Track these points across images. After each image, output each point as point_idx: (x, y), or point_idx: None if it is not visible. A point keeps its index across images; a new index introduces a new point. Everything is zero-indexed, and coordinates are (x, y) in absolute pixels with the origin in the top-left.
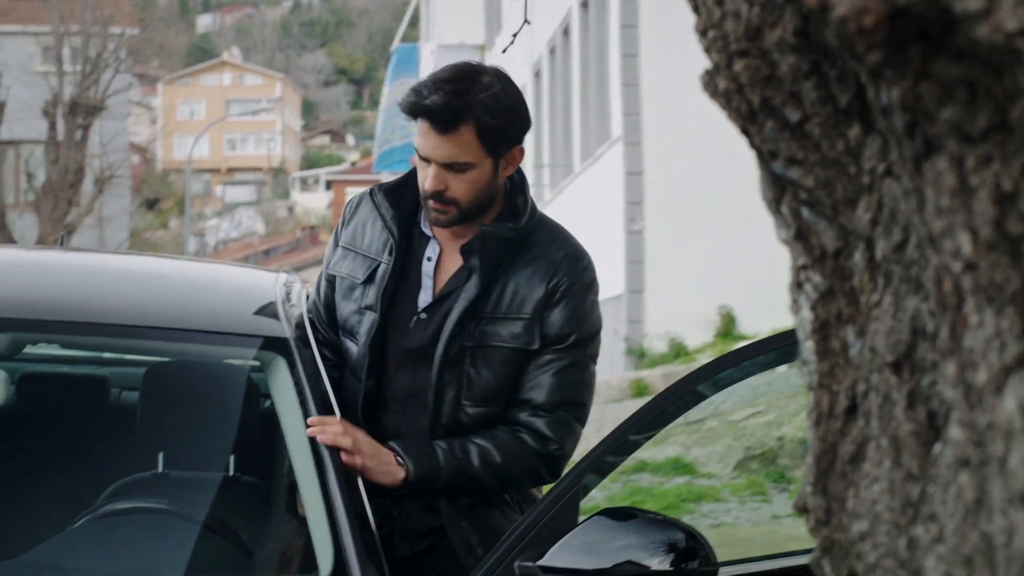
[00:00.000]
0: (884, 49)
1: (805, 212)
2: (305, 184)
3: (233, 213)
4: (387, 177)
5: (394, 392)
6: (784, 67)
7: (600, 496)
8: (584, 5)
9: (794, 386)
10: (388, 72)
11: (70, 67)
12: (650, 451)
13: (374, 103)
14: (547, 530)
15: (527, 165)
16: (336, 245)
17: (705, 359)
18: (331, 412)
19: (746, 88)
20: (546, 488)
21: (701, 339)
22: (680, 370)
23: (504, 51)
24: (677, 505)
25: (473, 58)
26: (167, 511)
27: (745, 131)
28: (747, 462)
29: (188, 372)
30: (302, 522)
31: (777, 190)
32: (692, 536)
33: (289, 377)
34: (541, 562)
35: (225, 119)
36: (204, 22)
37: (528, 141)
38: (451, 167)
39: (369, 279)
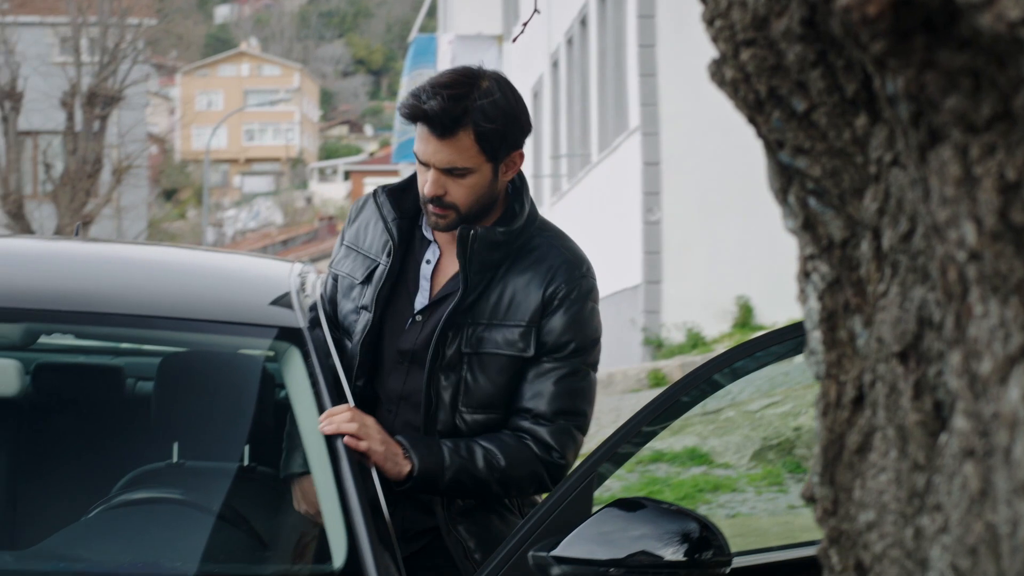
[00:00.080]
0: (888, 38)
1: (812, 202)
2: (323, 175)
3: (251, 203)
4: (406, 168)
5: (388, 393)
6: (791, 56)
7: (616, 486)
8: None
9: (811, 376)
10: (406, 63)
11: (88, 58)
12: (667, 441)
13: (392, 93)
14: (561, 520)
15: (544, 156)
16: (341, 244)
17: (722, 349)
18: (344, 402)
19: (753, 77)
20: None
21: (719, 329)
22: (697, 360)
23: (514, 40)
24: (694, 495)
25: (491, 48)
26: (181, 501)
27: (752, 121)
28: (764, 452)
29: (203, 362)
30: (315, 512)
31: (784, 180)
32: (706, 526)
33: (303, 367)
34: (554, 552)
35: (243, 110)
36: (222, 13)
37: (545, 131)
38: (450, 172)
39: (367, 279)
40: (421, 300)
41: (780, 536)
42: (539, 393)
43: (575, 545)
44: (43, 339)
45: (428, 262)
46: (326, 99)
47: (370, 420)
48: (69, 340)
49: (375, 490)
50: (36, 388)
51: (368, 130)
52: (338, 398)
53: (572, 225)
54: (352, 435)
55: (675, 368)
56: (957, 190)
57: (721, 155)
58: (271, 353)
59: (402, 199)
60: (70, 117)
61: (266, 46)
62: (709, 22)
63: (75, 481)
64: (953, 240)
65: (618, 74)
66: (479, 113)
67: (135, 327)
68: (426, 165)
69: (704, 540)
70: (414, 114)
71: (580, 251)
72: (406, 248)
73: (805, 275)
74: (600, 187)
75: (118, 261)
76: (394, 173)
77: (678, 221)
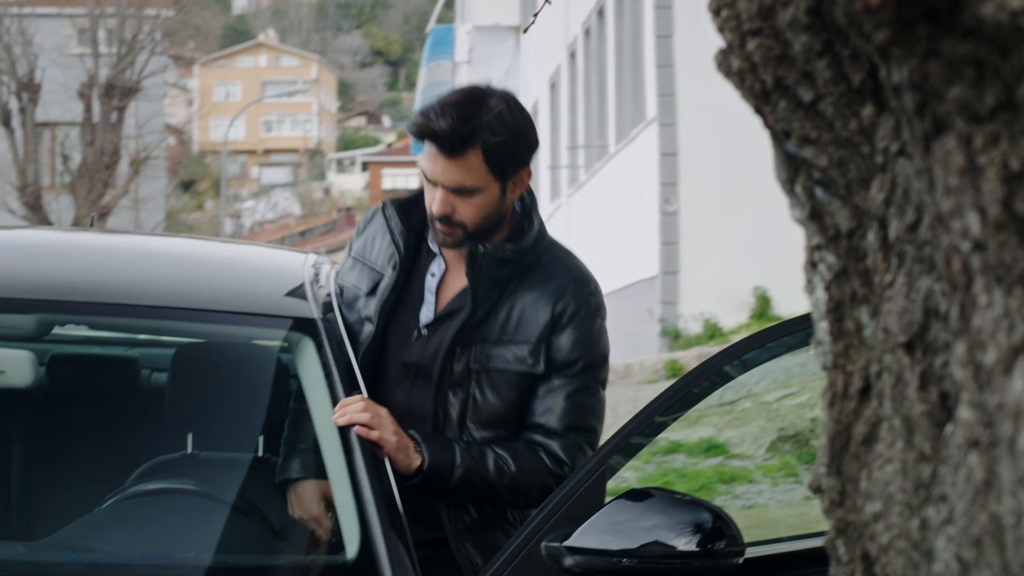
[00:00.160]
0: (891, 28)
1: (819, 192)
2: (341, 166)
3: (269, 195)
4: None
5: (392, 406)
6: (797, 46)
7: (632, 477)
8: None
9: None
10: (424, 54)
11: (105, 49)
12: (683, 432)
13: (410, 84)
14: (574, 511)
15: (562, 146)
16: (349, 255)
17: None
18: (358, 392)
19: (759, 67)
20: None
21: (736, 320)
22: (715, 351)
23: (525, 31)
24: (709, 486)
25: (508, 39)
26: (195, 491)
27: (758, 111)
28: (780, 443)
29: (217, 353)
30: (329, 503)
31: (791, 170)
32: (719, 516)
33: (316, 358)
34: (568, 542)
35: (261, 101)
36: (240, 3)
37: (563, 122)
38: (458, 191)
39: (372, 292)
40: (426, 314)
41: (795, 527)
42: (550, 409)
43: (588, 535)
44: (57, 330)
45: (433, 275)
46: (344, 90)
47: (383, 411)
48: (83, 331)
49: (389, 481)
50: (51, 379)
51: (386, 121)
52: (351, 388)
53: (589, 216)
54: (364, 425)
55: (692, 359)
56: (961, 180)
57: (738, 146)
58: (285, 344)
59: (410, 212)
60: (88, 108)
61: (284, 37)
62: (715, 12)
63: (89, 472)
64: (957, 230)
65: (635, 65)
66: (488, 132)
67: (148, 318)
68: (434, 183)
69: (717, 530)
70: (423, 132)
71: (587, 270)
72: (412, 261)
73: (812, 265)
74: (617, 178)
75: (131, 252)
76: (412, 164)
77: (695, 212)
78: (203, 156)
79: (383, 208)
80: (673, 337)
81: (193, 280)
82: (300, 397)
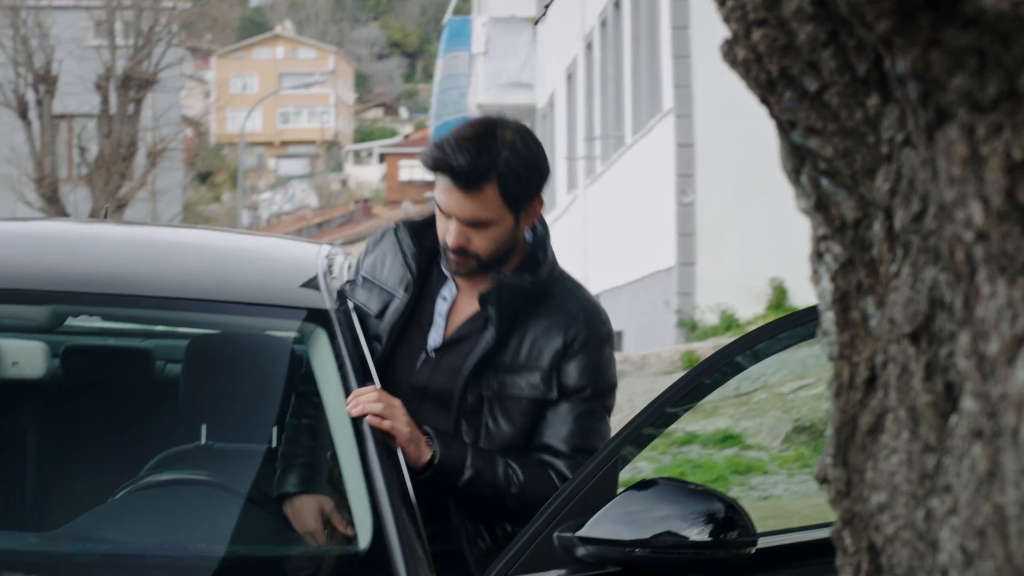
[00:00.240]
0: (893, 17)
1: (824, 182)
2: (358, 157)
3: (286, 186)
4: None
5: None
6: (802, 36)
7: (647, 467)
8: None
9: None
10: (441, 45)
11: (122, 41)
12: (699, 423)
13: (428, 76)
14: (586, 501)
15: (578, 138)
16: (356, 273)
17: None
18: (371, 383)
19: (764, 58)
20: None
21: (752, 311)
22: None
23: (536, 23)
24: (725, 477)
25: (525, 31)
26: (208, 482)
27: (764, 101)
28: (795, 434)
29: (230, 344)
30: (343, 495)
31: (797, 160)
32: (731, 507)
33: (329, 348)
34: (580, 533)
35: (278, 92)
36: None
37: (579, 113)
38: (473, 223)
39: (381, 312)
40: (435, 337)
41: (810, 518)
42: (557, 431)
43: (600, 525)
44: (71, 321)
45: (445, 299)
46: (361, 82)
47: (396, 402)
48: (97, 323)
49: (401, 472)
50: (65, 370)
51: (403, 113)
52: (364, 379)
53: (606, 207)
54: (377, 415)
55: (709, 350)
56: (964, 170)
57: (755, 137)
58: (298, 335)
59: (423, 235)
60: (105, 100)
61: (301, 29)
62: (721, 2)
63: (103, 463)
64: (960, 220)
65: (652, 56)
66: (504, 166)
67: (161, 309)
68: (448, 215)
69: (729, 520)
70: (438, 166)
71: (596, 300)
72: (423, 283)
73: (818, 256)
74: (634, 169)
75: (144, 243)
76: None
77: (712, 203)
78: (220, 148)
79: (395, 230)
80: (690, 328)
81: (206, 271)
82: (300, 409)
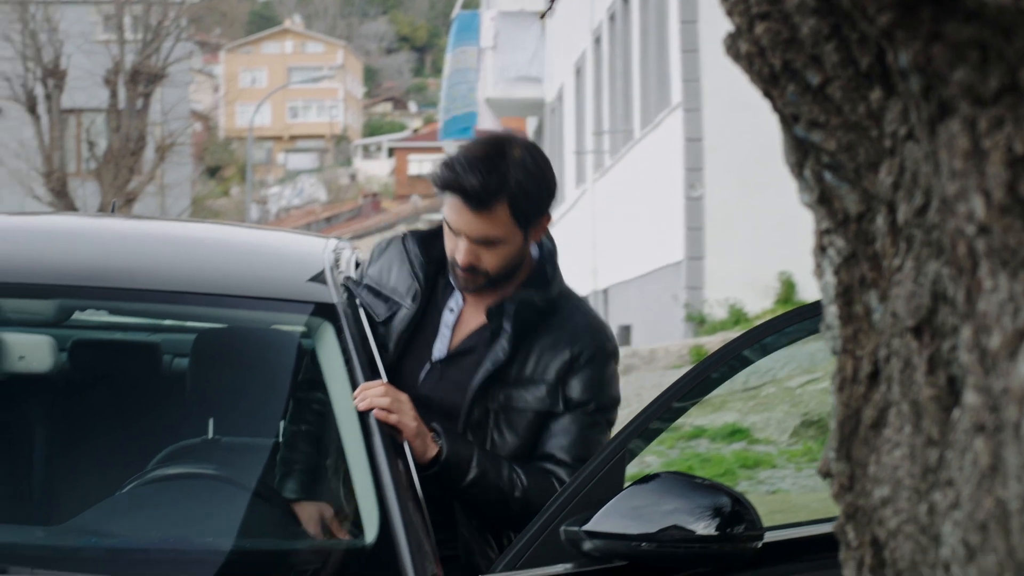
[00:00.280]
0: (895, 11)
1: (828, 176)
2: (367, 151)
3: (295, 181)
4: (451, 146)
5: None
6: (805, 30)
7: (655, 461)
8: None
9: None
10: (449, 39)
11: (131, 35)
12: (707, 417)
13: (436, 70)
14: (593, 495)
15: (587, 132)
16: (360, 282)
17: None
18: (378, 377)
19: (767, 51)
20: None
21: (761, 305)
22: None
23: (542, 17)
24: (733, 471)
25: (533, 25)
26: (215, 476)
27: (767, 95)
28: (803, 429)
29: (237, 338)
30: (349, 488)
31: (800, 154)
32: (738, 501)
33: (336, 343)
34: (586, 527)
35: (287, 87)
36: None
37: (588, 107)
38: (484, 242)
39: (387, 320)
40: (440, 348)
41: (818, 512)
42: (559, 441)
43: (607, 520)
44: (78, 315)
45: (452, 311)
46: (370, 76)
47: (404, 396)
48: (104, 316)
49: (408, 467)
50: (73, 364)
51: (412, 107)
52: (371, 374)
53: (614, 201)
54: (384, 409)
55: (717, 344)
56: (966, 163)
57: (763, 131)
58: (305, 329)
59: (431, 245)
60: (113, 95)
61: (310, 23)
62: None
63: (110, 457)
64: (962, 214)
65: (660, 50)
66: (515, 185)
67: (168, 303)
68: (458, 233)
69: (736, 514)
70: (449, 186)
71: (601, 318)
72: (430, 293)
73: (821, 249)
74: (642, 163)
75: (151, 237)
76: (438, 150)
77: (720, 197)
78: (229, 142)
79: (403, 239)
80: (698, 322)
81: (213, 265)
82: (304, 406)
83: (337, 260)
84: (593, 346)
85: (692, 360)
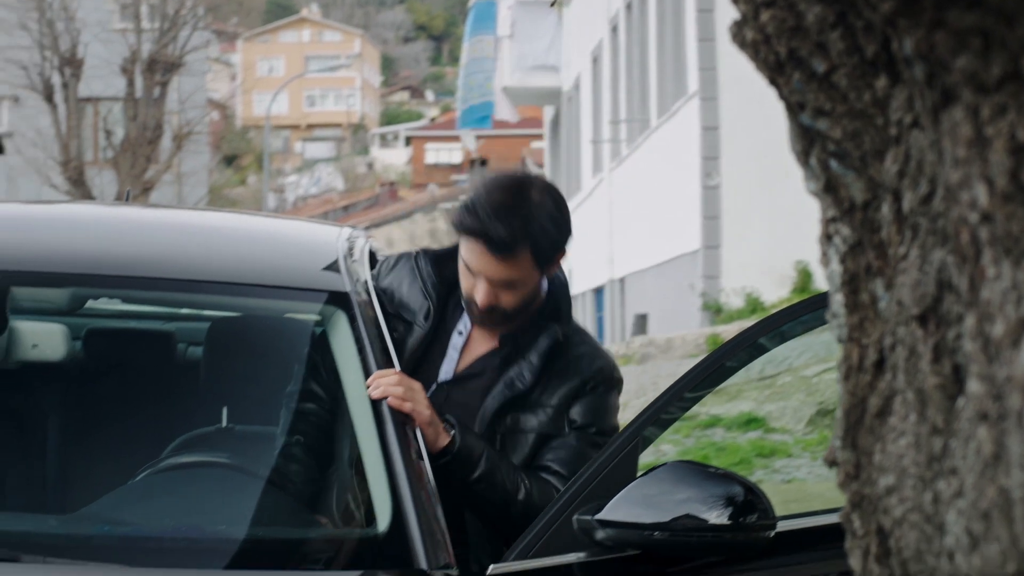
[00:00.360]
0: None
1: (834, 164)
2: (384, 140)
3: (312, 169)
4: (467, 135)
5: None
6: (810, 17)
7: (671, 450)
8: None
9: None
10: (466, 28)
11: (148, 24)
12: (723, 406)
13: (454, 59)
14: (605, 484)
15: (604, 121)
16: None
17: None
18: (391, 366)
19: (773, 39)
20: None
21: (777, 294)
22: None
23: (552, 4)
24: (748, 460)
25: (550, 13)
26: (228, 465)
27: (773, 82)
28: (819, 418)
29: (251, 326)
30: (362, 477)
31: (806, 142)
32: (750, 490)
33: (350, 331)
34: (599, 516)
35: (304, 75)
36: None
37: (605, 96)
38: (504, 285)
39: (399, 338)
40: (446, 369)
41: (833, 502)
42: (558, 454)
43: (619, 509)
44: (91, 304)
45: (461, 334)
46: (387, 65)
47: (417, 385)
48: (117, 305)
49: (421, 456)
50: (87, 353)
51: (429, 95)
52: (384, 362)
53: (631, 190)
54: (398, 397)
55: (734, 333)
56: (969, 151)
57: (780, 119)
58: (318, 317)
59: (443, 266)
60: (130, 84)
61: (327, 12)
62: None
63: (124, 445)
64: (965, 202)
65: (677, 38)
66: (538, 231)
67: (181, 291)
68: (478, 274)
69: (749, 504)
70: (474, 233)
71: (606, 349)
72: (441, 314)
73: (827, 238)
74: (659, 152)
75: (164, 226)
76: (455, 139)
77: (737, 186)
78: (246, 131)
79: (415, 258)
80: (715, 311)
81: (226, 253)
82: (312, 394)
83: (351, 249)
84: (600, 375)
85: (709, 349)
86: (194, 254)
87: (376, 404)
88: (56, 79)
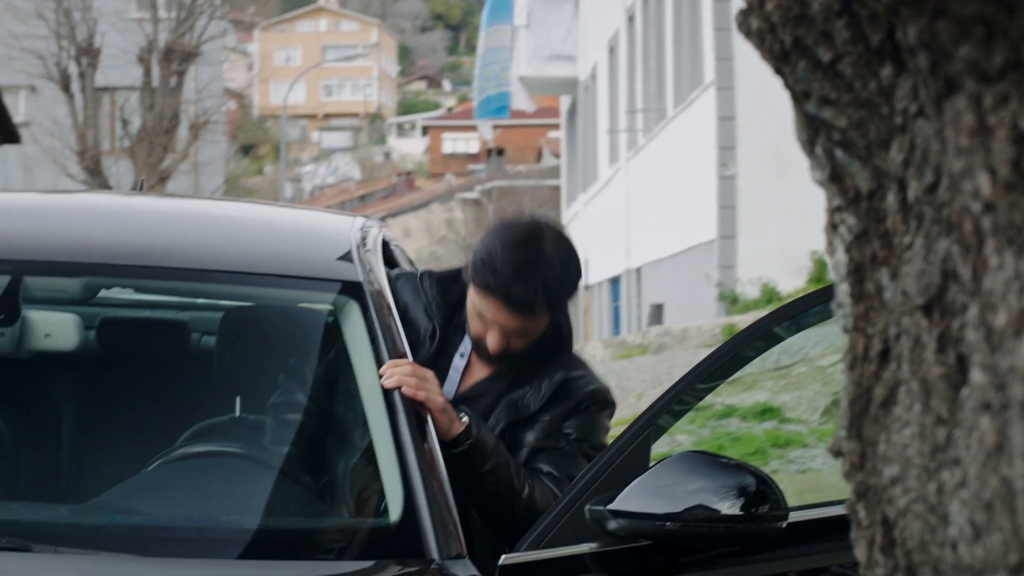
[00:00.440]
0: None
1: (839, 153)
2: (401, 130)
3: (329, 159)
4: (484, 125)
5: None
6: (815, 6)
7: (686, 440)
8: None
9: None
10: (483, 18)
11: (165, 13)
12: (738, 396)
13: (471, 49)
14: (618, 474)
15: (620, 111)
16: None
17: None
18: (403, 356)
19: (778, 28)
20: None
21: (793, 284)
22: None
23: None
24: (764, 450)
25: (566, 4)
26: (240, 454)
27: (778, 71)
28: (834, 408)
29: (264, 316)
30: (375, 467)
31: (811, 131)
32: (762, 481)
33: (362, 321)
34: (611, 506)
35: (321, 65)
36: None
37: (621, 86)
38: (517, 334)
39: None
40: (448, 390)
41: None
42: (552, 457)
43: (632, 499)
44: (104, 293)
45: (462, 356)
46: (404, 54)
47: (430, 374)
48: (131, 295)
49: (433, 446)
50: (100, 343)
51: (446, 85)
52: (396, 352)
53: (647, 180)
54: (411, 386)
55: (749, 323)
56: (971, 140)
57: None
58: (331, 307)
59: (448, 289)
60: (147, 73)
61: (344, 1)
62: None
63: (137, 435)
64: (968, 191)
65: (693, 28)
66: (555, 285)
67: (194, 281)
68: (492, 323)
69: (761, 494)
70: (493, 291)
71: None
72: (444, 336)
73: (833, 227)
74: (675, 142)
75: (177, 215)
76: (472, 128)
77: (753, 176)
78: (263, 120)
79: (420, 278)
80: (731, 301)
81: (240, 243)
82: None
83: (364, 238)
84: (595, 397)
85: (724, 339)
86: (207, 244)
87: (389, 394)
88: (73, 69)
